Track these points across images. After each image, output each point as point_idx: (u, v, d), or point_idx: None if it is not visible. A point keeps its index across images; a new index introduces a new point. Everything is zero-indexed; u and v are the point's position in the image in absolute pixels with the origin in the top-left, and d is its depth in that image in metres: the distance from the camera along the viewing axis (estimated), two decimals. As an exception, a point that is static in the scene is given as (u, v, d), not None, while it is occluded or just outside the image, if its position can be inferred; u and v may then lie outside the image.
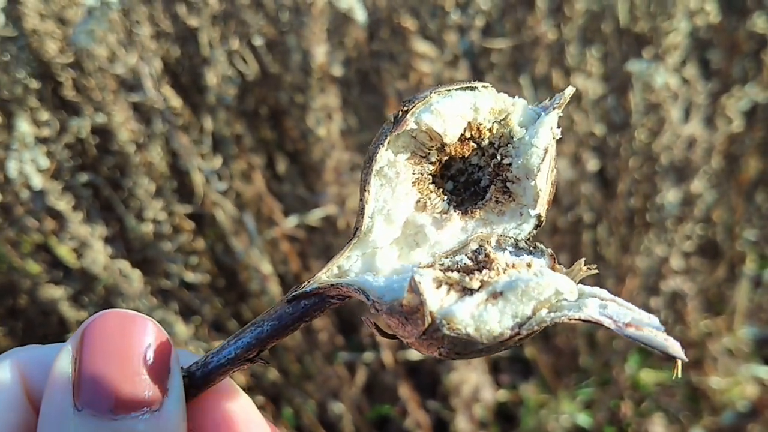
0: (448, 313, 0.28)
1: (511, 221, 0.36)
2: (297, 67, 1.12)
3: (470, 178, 0.37)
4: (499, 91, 0.35)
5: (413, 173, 0.35)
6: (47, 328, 1.19)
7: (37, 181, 0.96)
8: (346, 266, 0.35)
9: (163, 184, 1.13)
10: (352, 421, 1.21)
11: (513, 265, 0.31)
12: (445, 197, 0.36)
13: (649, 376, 1.32)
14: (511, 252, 0.35)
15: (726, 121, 1.09)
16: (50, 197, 0.98)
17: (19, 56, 1.08)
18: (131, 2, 1.00)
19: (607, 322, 0.28)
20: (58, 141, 1.07)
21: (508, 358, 1.36)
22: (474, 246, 0.35)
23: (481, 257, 0.32)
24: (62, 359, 0.32)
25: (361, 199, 0.34)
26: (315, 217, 1.18)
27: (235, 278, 1.23)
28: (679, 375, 0.29)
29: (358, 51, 1.24)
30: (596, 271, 0.33)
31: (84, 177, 1.12)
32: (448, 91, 0.34)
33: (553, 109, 0.34)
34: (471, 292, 0.29)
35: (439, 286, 0.29)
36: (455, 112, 0.34)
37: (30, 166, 0.97)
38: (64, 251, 1.09)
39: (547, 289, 0.28)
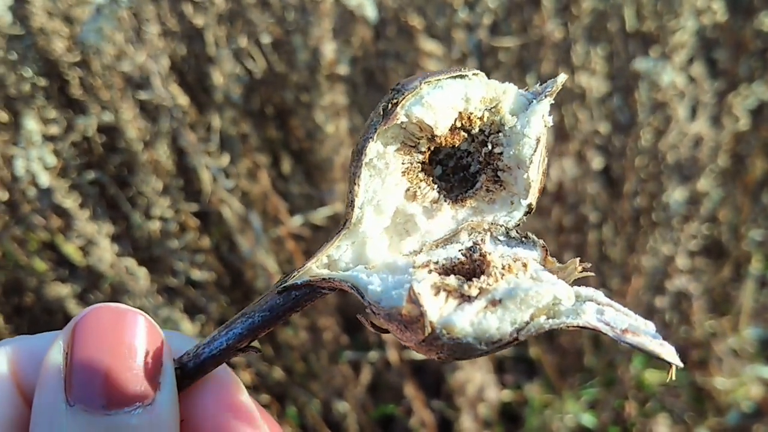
0: (448, 323, 0.28)
1: (501, 209, 0.36)
2: (303, 65, 1.12)
3: (459, 163, 0.36)
4: None
5: (402, 163, 0.35)
6: (53, 326, 1.19)
7: (44, 179, 0.97)
8: (336, 256, 0.35)
9: (170, 182, 1.13)
10: (356, 420, 1.21)
11: (509, 267, 0.31)
12: (435, 186, 0.36)
13: (653, 377, 1.32)
14: (502, 241, 0.35)
15: (732, 119, 1.09)
16: (57, 195, 0.98)
17: (26, 55, 1.08)
18: (139, 0, 1.00)
19: (604, 329, 0.29)
20: (65, 139, 1.07)
21: (513, 357, 1.35)
22: (465, 236, 0.35)
23: (476, 255, 0.32)
24: (53, 354, 0.32)
25: (350, 192, 0.34)
26: (320, 215, 1.18)
27: (241, 276, 1.23)
28: (674, 378, 0.29)
29: (365, 50, 1.24)
30: (591, 273, 0.32)
31: (91, 175, 1.12)
32: (438, 80, 0.33)
33: (545, 96, 0.34)
34: (469, 298, 0.29)
35: (437, 293, 0.29)
36: (446, 103, 0.33)
37: (37, 164, 0.97)
38: (71, 249, 1.10)
39: (546, 297, 0.29)
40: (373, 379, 1.27)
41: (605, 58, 1.17)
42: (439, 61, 1.07)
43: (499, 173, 0.35)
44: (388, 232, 0.35)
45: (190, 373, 0.34)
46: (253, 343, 0.35)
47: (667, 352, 0.28)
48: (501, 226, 0.36)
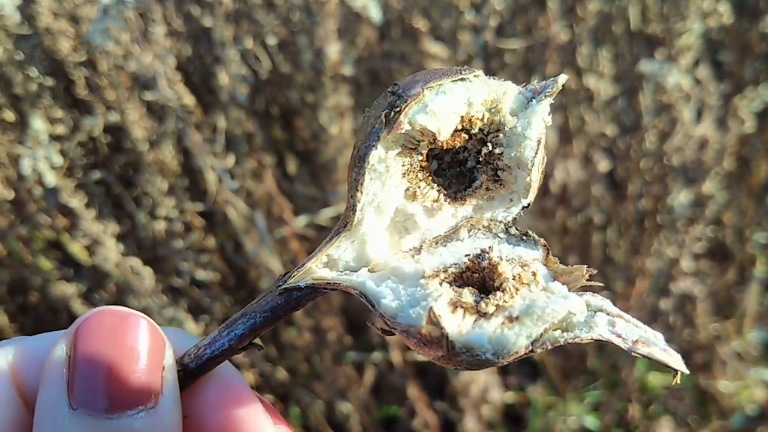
0: (468, 342, 0.29)
1: (500, 206, 0.36)
2: (308, 66, 1.12)
3: (455, 158, 0.36)
4: None
5: (402, 165, 0.35)
6: (57, 326, 1.20)
7: (50, 179, 0.97)
8: (336, 255, 0.35)
9: (175, 182, 1.13)
10: (359, 421, 1.21)
11: (519, 278, 0.31)
12: (435, 185, 0.36)
13: (657, 379, 1.32)
14: (502, 239, 0.35)
15: (738, 122, 1.09)
16: (63, 194, 0.99)
17: (33, 54, 1.08)
18: (146, 0, 1.00)
19: (616, 341, 0.30)
20: (72, 139, 1.08)
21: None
22: (465, 233, 0.36)
23: (484, 263, 0.32)
24: (56, 357, 0.32)
25: (352, 197, 0.34)
26: (325, 216, 1.18)
27: (245, 277, 1.24)
28: (678, 382, 0.31)
29: (369, 51, 1.24)
30: (600, 284, 0.33)
31: (96, 175, 1.12)
32: (440, 85, 0.33)
33: (545, 96, 0.34)
34: (486, 315, 0.30)
35: (454, 310, 0.30)
36: (449, 109, 0.33)
37: (43, 164, 0.97)
38: (76, 248, 1.10)
39: (561, 312, 0.30)
40: (377, 380, 1.27)
41: (611, 61, 1.17)
42: (444, 63, 1.07)
43: (499, 172, 0.36)
44: (388, 230, 0.36)
45: (193, 373, 0.35)
46: (255, 340, 0.35)
47: (675, 360, 0.30)
48: (500, 222, 0.36)
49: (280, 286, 0.34)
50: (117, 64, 1.04)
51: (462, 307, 0.30)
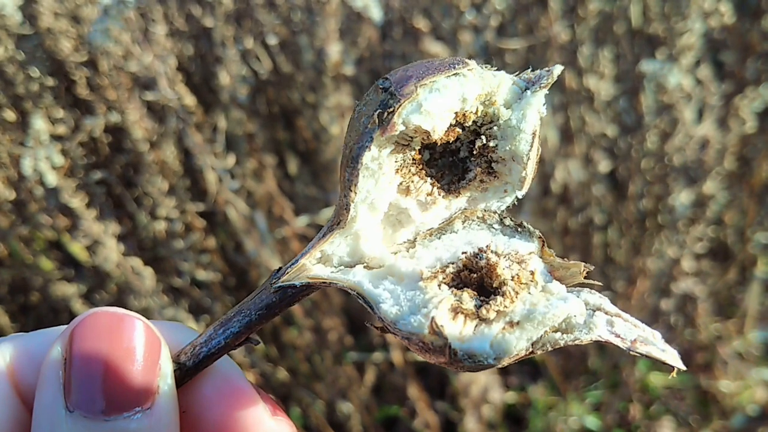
0: (470, 349, 0.29)
1: (494, 197, 0.36)
2: (309, 66, 1.12)
3: (447, 148, 0.36)
4: None
5: (395, 161, 0.34)
6: (58, 326, 1.20)
7: (51, 179, 0.97)
8: (329, 251, 0.35)
9: (176, 183, 1.13)
10: (360, 421, 1.21)
11: (518, 279, 0.31)
12: (428, 178, 0.36)
13: (658, 379, 1.32)
14: (497, 230, 0.35)
15: (739, 122, 1.08)
16: (64, 195, 0.99)
17: (34, 54, 1.08)
18: (147, 0, 1.01)
19: (615, 341, 0.30)
20: (73, 139, 1.08)
21: (518, 359, 1.35)
22: (459, 224, 0.36)
23: (482, 263, 0.32)
24: (52, 358, 0.32)
25: (345, 196, 0.33)
26: (326, 216, 1.18)
27: (246, 277, 1.24)
28: (675, 377, 0.32)
29: (371, 51, 1.24)
30: (598, 283, 0.33)
31: (97, 175, 1.12)
32: (434, 82, 0.32)
33: (539, 88, 0.33)
34: (487, 320, 0.30)
35: (455, 317, 0.30)
36: (444, 107, 0.33)
37: (44, 164, 0.97)
38: (77, 248, 1.10)
39: (561, 316, 0.30)
40: (378, 380, 1.27)
41: (612, 61, 1.17)
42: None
43: (493, 165, 0.35)
44: (382, 223, 0.35)
45: (189, 371, 0.35)
46: (251, 336, 0.35)
47: (673, 357, 0.30)
48: (494, 213, 0.36)
49: (274, 283, 0.34)
50: (118, 64, 1.04)
51: (463, 313, 0.30)
